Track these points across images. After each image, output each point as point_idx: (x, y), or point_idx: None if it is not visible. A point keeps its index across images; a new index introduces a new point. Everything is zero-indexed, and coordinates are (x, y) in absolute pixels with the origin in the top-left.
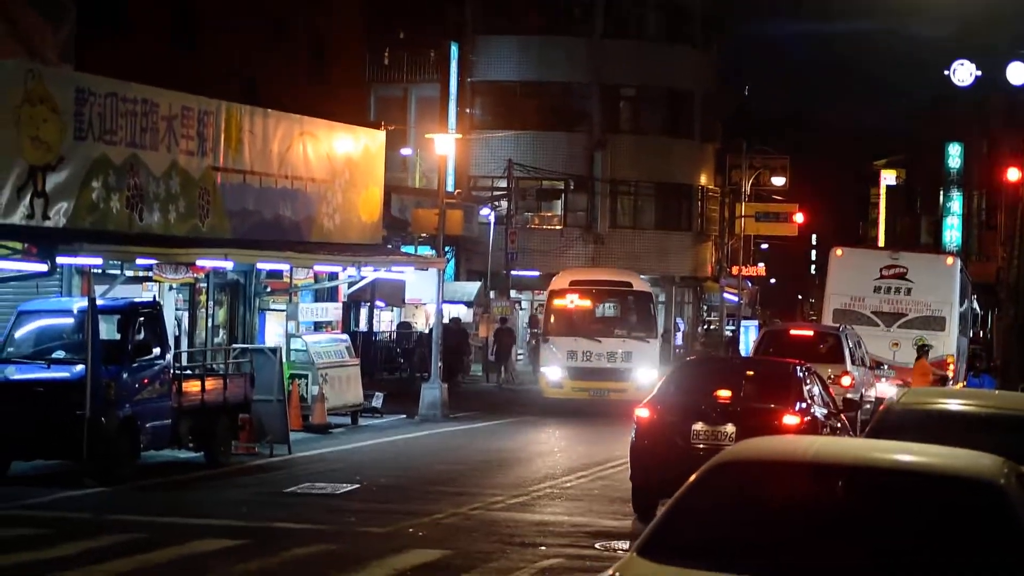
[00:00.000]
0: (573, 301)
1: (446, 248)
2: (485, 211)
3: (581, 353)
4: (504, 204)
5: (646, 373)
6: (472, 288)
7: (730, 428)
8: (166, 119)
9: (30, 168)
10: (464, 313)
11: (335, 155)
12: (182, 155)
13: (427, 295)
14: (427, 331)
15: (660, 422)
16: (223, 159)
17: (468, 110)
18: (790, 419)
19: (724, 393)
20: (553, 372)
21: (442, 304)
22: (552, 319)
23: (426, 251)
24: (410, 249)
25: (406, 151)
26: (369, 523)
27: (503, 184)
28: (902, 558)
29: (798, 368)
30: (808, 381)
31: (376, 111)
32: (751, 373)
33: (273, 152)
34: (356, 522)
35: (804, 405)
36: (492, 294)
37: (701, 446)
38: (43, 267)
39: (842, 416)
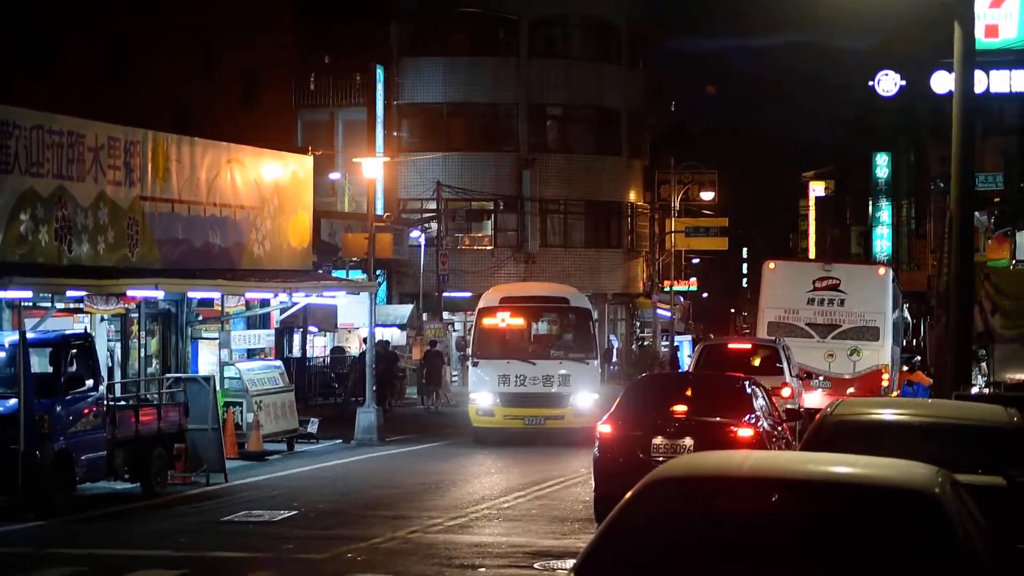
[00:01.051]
0: (504, 320)
1: (377, 271)
2: (415, 233)
3: (514, 377)
4: (434, 226)
5: (586, 397)
6: (404, 311)
7: (688, 441)
8: (92, 150)
9: None
10: (398, 336)
11: (263, 181)
12: (109, 185)
13: (359, 319)
14: (360, 355)
15: (622, 436)
16: (151, 188)
17: (396, 133)
18: (744, 431)
19: (680, 408)
20: (483, 399)
21: (375, 328)
22: (481, 340)
23: (357, 275)
24: (341, 273)
25: (334, 175)
26: (307, 550)
27: (433, 206)
28: (839, 570)
29: (747, 383)
30: (757, 394)
31: (303, 136)
32: (704, 388)
33: (201, 180)
34: (294, 549)
35: (755, 417)
36: (425, 316)
37: (661, 459)
38: None
39: (784, 426)
